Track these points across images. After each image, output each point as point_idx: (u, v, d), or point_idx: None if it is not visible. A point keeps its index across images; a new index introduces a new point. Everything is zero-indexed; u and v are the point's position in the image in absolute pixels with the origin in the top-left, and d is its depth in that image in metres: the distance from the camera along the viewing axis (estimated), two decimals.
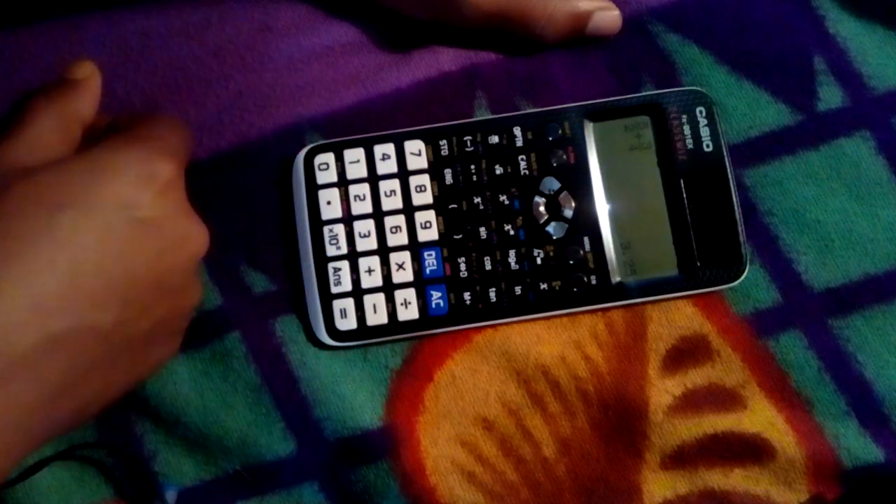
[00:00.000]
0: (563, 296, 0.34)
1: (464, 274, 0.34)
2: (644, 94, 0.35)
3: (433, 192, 0.35)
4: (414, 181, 0.35)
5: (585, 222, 0.34)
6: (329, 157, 0.35)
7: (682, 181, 0.35)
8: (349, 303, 0.34)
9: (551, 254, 0.34)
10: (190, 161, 0.35)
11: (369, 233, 0.34)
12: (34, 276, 0.25)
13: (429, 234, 0.34)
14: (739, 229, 0.34)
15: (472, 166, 0.35)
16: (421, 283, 0.34)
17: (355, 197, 0.35)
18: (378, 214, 0.34)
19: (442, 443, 0.35)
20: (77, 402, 0.27)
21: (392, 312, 0.34)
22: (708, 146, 0.35)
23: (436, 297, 0.34)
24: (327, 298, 0.34)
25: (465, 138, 0.35)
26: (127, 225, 0.27)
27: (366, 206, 0.35)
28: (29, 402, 0.25)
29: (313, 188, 0.35)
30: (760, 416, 0.35)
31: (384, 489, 0.34)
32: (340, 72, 0.36)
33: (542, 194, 0.35)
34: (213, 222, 0.31)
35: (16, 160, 0.28)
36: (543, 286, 0.34)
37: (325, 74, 0.36)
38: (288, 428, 0.34)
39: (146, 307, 0.28)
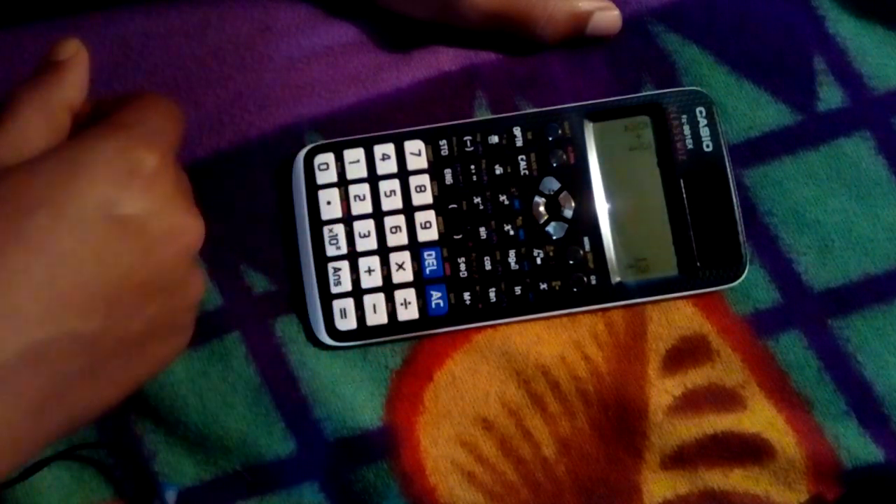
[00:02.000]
0: (563, 296, 0.34)
1: (464, 274, 0.34)
2: (644, 94, 0.35)
3: (433, 192, 0.35)
4: (414, 181, 0.35)
5: (585, 222, 0.34)
6: (329, 157, 0.35)
7: (682, 181, 0.35)
8: (349, 303, 0.34)
9: (551, 254, 0.34)
10: (191, 160, 0.35)
11: (369, 233, 0.34)
12: (7, 286, 0.23)
13: (429, 234, 0.34)
14: (739, 229, 0.34)
15: (472, 166, 0.35)
16: (421, 283, 0.34)
17: (355, 197, 0.35)
18: (378, 214, 0.34)
19: (442, 443, 0.34)
20: (67, 411, 0.26)
21: (392, 312, 0.34)
22: (708, 146, 0.35)
23: (436, 297, 0.34)
24: (327, 298, 0.34)
25: (465, 138, 0.35)
26: (106, 225, 0.25)
27: (366, 206, 0.34)
28: (11, 416, 0.24)
29: (313, 188, 0.35)
30: (760, 416, 0.35)
31: (384, 489, 0.34)
32: (340, 72, 0.36)
33: (541, 194, 0.35)
34: (213, 222, 0.30)
35: None
36: (543, 286, 0.34)
37: (325, 74, 0.36)
38: (288, 428, 0.34)
39: (136, 309, 0.26)
